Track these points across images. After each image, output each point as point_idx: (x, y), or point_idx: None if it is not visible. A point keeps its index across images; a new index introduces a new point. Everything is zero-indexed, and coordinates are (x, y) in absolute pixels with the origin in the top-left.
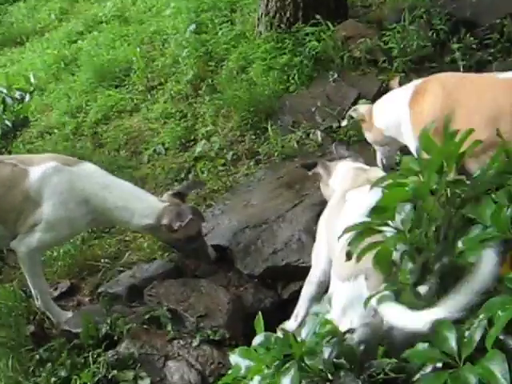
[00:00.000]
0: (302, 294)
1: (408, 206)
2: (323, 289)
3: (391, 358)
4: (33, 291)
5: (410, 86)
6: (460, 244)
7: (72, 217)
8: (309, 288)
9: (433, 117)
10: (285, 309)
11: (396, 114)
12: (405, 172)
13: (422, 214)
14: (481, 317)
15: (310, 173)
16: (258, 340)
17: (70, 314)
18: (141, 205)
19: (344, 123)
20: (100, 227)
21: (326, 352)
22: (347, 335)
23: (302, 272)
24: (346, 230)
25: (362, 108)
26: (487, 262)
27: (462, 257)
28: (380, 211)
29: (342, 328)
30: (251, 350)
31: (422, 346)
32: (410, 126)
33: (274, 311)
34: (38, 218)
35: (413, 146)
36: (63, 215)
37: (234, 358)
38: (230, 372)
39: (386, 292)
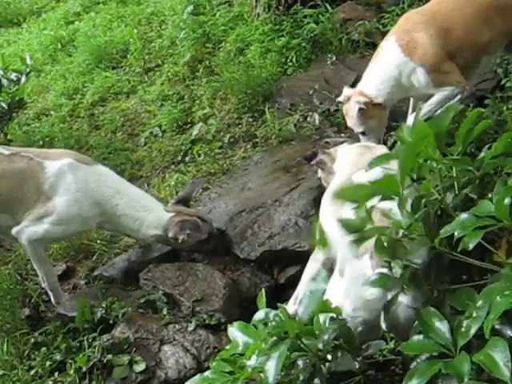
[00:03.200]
0: (304, 273)
1: (407, 190)
2: (327, 267)
3: (392, 340)
4: (38, 273)
5: (389, 42)
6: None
7: (85, 216)
8: (313, 266)
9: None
10: (281, 294)
11: (394, 69)
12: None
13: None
14: (479, 304)
15: (312, 163)
16: (258, 316)
17: (66, 296)
18: (148, 215)
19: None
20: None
21: (327, 334)
22: (351, 314)
23: (299, 256)
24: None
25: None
26: None
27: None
28: None
29: (345, 306)
30: (250, 325)
31: (417, 337)
32: (414, 64)
33: (271, 296)
34: (49, 210)
35: (424, 79)
36: (76, 212)
37: (232, 331)
38: (227, 348)
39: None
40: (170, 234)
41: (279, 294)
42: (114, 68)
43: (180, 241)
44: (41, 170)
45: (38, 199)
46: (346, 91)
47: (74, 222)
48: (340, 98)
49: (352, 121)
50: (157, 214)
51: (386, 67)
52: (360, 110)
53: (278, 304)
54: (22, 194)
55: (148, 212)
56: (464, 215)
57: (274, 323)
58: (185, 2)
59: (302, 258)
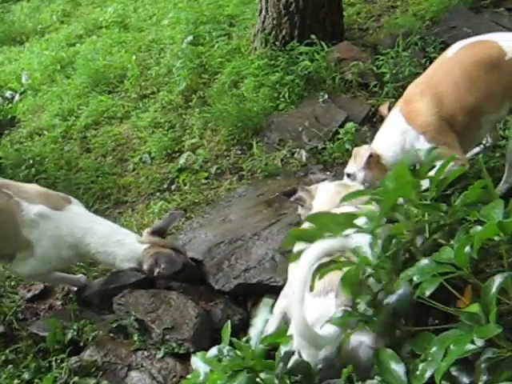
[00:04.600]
0: (274, 308)
1: (380, 229)
2: None
3: (354, 381)
4: None
5: (394, 111)
6: (415, 277)
7: (65, 257)
8: (283, 302)
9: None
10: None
11: (399, 136)
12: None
13: (390, 239)
14: (433, 350)
15: (291, 199)
16: (212, 352)
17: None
18: (121, 250)
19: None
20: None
21: (280, 366)
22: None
23: (273, 291)
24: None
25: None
26: None
27: (418, 289)
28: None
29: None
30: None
31: (371, 381)
32: (415, 132)
33: (243, 329)
34: (29, 253)
35: (423, 143)
36: (55, 255)
37: (195, 361)
38: (188, 377)
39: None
40: (145, 267)
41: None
42: (110, 92)
43: (155, 274)
44: (18, 212)
45: (17, 238)
46: (364, 146)
47: (55, 262)
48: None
49: (355, 161)
50: (130, 247)
51: (392, 134)
52: (370, 157)
53: (234, 339)
54: (3, 232)
55: (120, 246)
56: (425, 261)
57: (228, 358)
58: (185, 32)
59: (276, 293)
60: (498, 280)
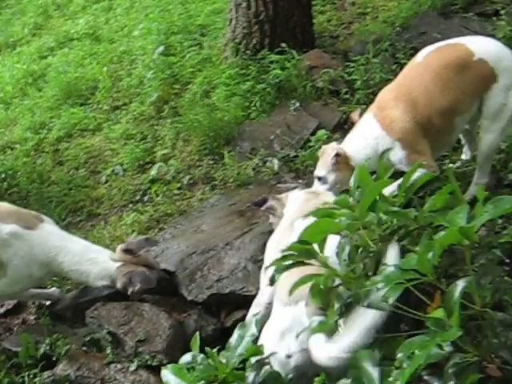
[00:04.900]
0: (247, 317)
1: (344, 240)
2: (269, 311)
3: None
4: None
5: (367, 116)
6: (380, 285)
7: (36, 276)
8: (255, 310)
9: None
10: (227, 337)
11: (372, 140)
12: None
13: (357, 248)
14: (400, 355)
15: (262, 208)
16: (185, 359)
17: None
18: (94, 268)
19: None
20: None
21: (250, 377)
22: (284, 360)
23: (246, 300)
24: (276, 261)
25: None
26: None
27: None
28: (304, 243)
29: (280, 352)
30: (183, 368)
31: (343, 382)
32: (390, 138)
33: (216, 339)
34: (2, 273)
35: (399, 154)
36: (27, 274)
37: (165, 374)
38: None
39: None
40: (118, 285)
41: (226, 337)
42: (82, 104)
43: (129, 293)
44: None
45: None
46: (332, 144)
47: (26, 282)
48: (324, 146)
49: (322, 162)
50: (103, 265)
51: (365, 137)
52: (336, 156)
53: (207, 348)
54: None
55: (94, 265)
56: (390, 268)
57: (201, 367)
58: (156, 43)
59: (249, 302)
60: (460, 285)
